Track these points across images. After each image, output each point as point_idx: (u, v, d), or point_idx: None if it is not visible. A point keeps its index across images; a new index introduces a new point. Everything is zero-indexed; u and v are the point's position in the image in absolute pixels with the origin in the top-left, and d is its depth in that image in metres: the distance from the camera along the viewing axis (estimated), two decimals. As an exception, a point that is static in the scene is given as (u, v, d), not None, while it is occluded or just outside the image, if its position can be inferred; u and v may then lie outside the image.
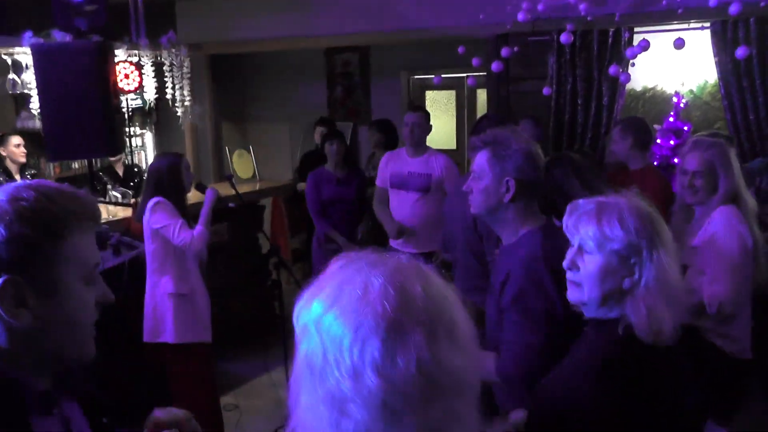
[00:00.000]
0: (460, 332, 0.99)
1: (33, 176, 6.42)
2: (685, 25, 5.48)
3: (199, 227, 3.89)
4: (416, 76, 7.86)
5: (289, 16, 6.71)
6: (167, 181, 3.90)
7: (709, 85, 6.11)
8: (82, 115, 4.59)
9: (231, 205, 4.42)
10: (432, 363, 0.94)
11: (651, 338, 1.65)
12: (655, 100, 6.44)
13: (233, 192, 4.50)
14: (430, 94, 7.97)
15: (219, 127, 7.99)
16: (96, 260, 1.27)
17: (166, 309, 3.94)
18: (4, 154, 6.09)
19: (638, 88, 6.44)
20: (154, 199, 3.86)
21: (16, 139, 6.09)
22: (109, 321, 4.05)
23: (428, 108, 7.15)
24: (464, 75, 7.15)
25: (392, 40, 6.67)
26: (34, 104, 5.19)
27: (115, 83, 4.86)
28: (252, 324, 5.91)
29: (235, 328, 5.56)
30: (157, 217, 3.82)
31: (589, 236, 1.71)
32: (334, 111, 8.10)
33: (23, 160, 6.15)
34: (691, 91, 6.48)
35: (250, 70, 8.47)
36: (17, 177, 6.08)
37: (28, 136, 6.27)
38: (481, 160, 2.29)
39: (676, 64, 6.08)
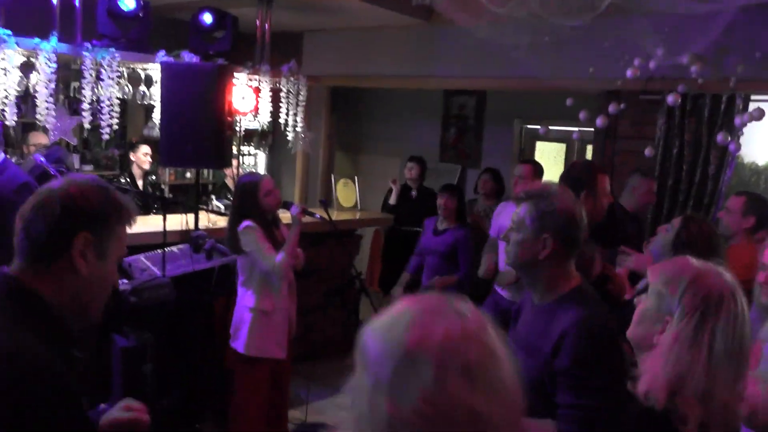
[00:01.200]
0: (485, 374, 1.04)
1: (152, 183, 6.93)
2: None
3: (281, 255, 4.07)
4: (528, 126, 7.88)
5: (411, 56, 6.94)
6: (248, 204, 4.18)
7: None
8: (195, 128, 4.99)
9: (317, 216, 4.55)
10: (440, 396, 1.01)
11: None
12: (765, 174, 6.18)
13: (327, 217, 4.70)
14: (540, 145, 7.96)
15: (331, 155, 8.31)
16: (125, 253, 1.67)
17: (244, 320, 4.21)
18: (133, 159, 6.62)
19: (758, 161, 6.23)
20: (244, 223, 4.11)
21: (145, 148, 6.60)
22: (195, 319, 4.37)
23: (537, 158, 7.19)
24: (575, 129, 7.11)
25: (505, 85, 6.76)
26: (156, 115, 5.63)
27: (231, 103, 5.21)
28: (331, 345, 6.13)
29: (318, 347, 5.81)
30: (247, 240, 4.09)
31: None
32: (444, 152, 8.25)
33: (148, 167, 6.66)
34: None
35: (369, 104, 8.78)
36: (139, 182, 6.58)
37: (153, 144, 6.78)
38: (522, 212, 2.28)
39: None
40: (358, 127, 8.99)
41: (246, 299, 4.21)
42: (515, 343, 2.35)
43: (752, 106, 5.32)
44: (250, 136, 8.42)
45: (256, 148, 8.63)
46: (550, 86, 6.04)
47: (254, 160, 8.60)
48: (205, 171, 7.63)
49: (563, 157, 7.84)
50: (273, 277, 4.13)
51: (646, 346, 1.68)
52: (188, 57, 5.48)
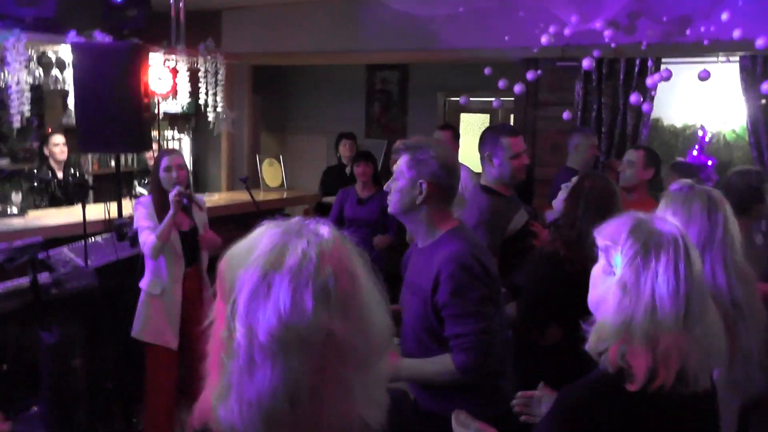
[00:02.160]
0: (343, 298, 1.04)
1: (73, 175, 6.69)
2: (713, 58, 5.45)
3: (151, 237, 3.85)
4: (452, 98, 7.95)
5: (332, 31, 6.89)
6: (152, 178, 4.07)
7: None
8: (111, 111, 4.82)
9: (185, 201, 4.00)
10: (296, 318, 1.00)
11: None
12: (682, 135, 6.44)
13: (239, 193, 4.61)
14: (464, 117, 8.05)
15: (257, 136, 8.20)
16: None
17: (139, 303, 4.04)
18: (47, 153, 6.37)
19: (676, 123, 6.48)
20: (138, 199, 4.04)
21: (56, 138, 6.34)
22: (124, 307, 4.19)
23: (462, 130, 7.24)
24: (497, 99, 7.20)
25: (426, 58, 6.80)
26: (71, 100, 5.45)
27: (147, 84, 5.07)
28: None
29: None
30: (135, 217, 4.00)
31: None
32: (370, 127, 8.25)
33: (63, 158, 6.40)
34: (734, 131, 6.46)
35: (292, 82, 8.71)
36: (59, 174, 6.36)
37: (72, 133, 6.56)
38: (401, 162, 2.42)
39: (706, 99, 6.09)
40: (282, 106, 8.91)
41: (142, 281, 4.06)
42: (406, 287, 2.54)
43: (663, 69, 5.49)
44: (172, 120, 8.24)
45: (180, 132, 8.45)
46: (469, 57, 6.10)
47: (179, 145, 8.42)
48: (130, 158, 7.44)
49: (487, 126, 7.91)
50: (161, 259, 3.93)
51: (601, 302, 1.66)
52: (100, 37, 5.29)
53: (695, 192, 2.40)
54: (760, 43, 4.95)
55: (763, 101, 5.34)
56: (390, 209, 2.50)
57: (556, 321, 2.87)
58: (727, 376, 2.22)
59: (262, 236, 1.08)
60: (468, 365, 2.31)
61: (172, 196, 3.86)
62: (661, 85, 5.56)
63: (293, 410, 1.00)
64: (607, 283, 1.63)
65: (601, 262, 1.68)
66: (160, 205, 3.93)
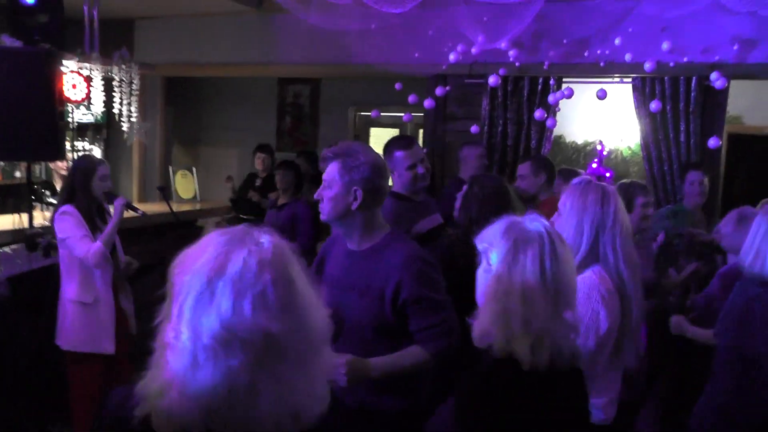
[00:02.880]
0: (280, 300, 1.13)
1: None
2: (609, 79, 5.85)
3: (97, 243, 3.82)
4: (363, 113, 8.14)
5: (244, 44, 6.98)
6: (79, 186, 3.92)
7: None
8: (23, 117, 4.68)
9: (139, 212, 4.24)
10: (237, 321, 1.10)
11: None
12: (583, 151, 6.88)
13: (166, 206, 4.59)
14: (374, 131, 8.25)
15: (169, 147, 8.16)
16: None
17: (66, 315, 3.94)
18: None
19: (577, 140, 6.91)
20: (62, 208, 3.88)
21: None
22: (37, 318, 4.07)
23: (372, 144, 7.43)
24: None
25: (337, 72, 6.97)
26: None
27: (61, 92, 5.01)
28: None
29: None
30: (61, 226, 3.85)
31: None
32: (281, 140, 8.34)
33: None
34: (629, 148, 6.94)
35: (205, 94, 8.72)
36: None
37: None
38: (332, 170, 2.47)
39: (605, 117, 6.54)
40: (195, 118, 8.89)
41: (67, 291, 3.93)
42: (330, 285, 2.58)
43: (565, 87, 5.87)
44: (84, 130, 8.09)
45: (91, 143, 8.30)
46: (379, 72, 6.30)
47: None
48: (37, 169, 7.24)
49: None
50: (92, 267, 3.88)
51: (482, 297, 1.86)
52: (10, 42, 5.18)
53: (592, 185, 2.68)
54: (647, 66, 5.39)
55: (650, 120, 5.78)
56: (323, 217, 2.52)
57: None
58: (615, 350, 2.54)
59: (208, 244, 1.18)
60: (442, 350, 2.43)
61: (119, 204, 3.97)
62: (564, 104, 5.94)
63: (231, 404, 1.09)
64: (487, 279, 1.82)
65: (483, 263, 1.86)
66: (88, 214, 3.90)
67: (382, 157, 3.66)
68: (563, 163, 7.12)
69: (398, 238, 2.55)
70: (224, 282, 1.11)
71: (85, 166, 3.99)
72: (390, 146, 3.74)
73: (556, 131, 7.43)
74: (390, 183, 2.94)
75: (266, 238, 1.19)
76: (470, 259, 1.96)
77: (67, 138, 6.42)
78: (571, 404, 1.85)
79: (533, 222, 1.83)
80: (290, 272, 1.17)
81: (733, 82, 7.32)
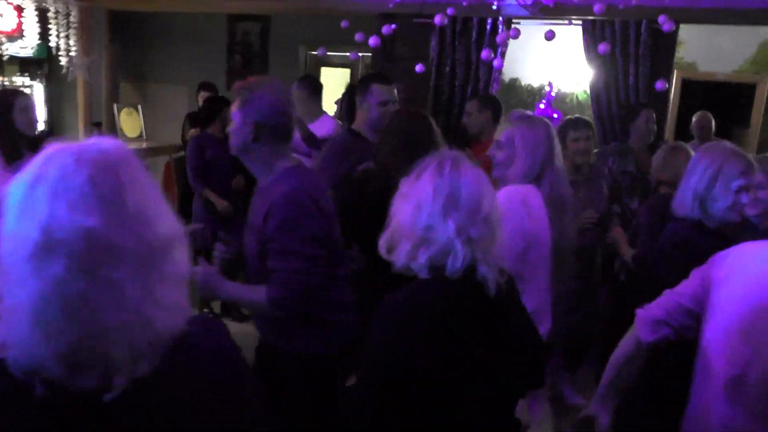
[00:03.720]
0: (104, 202, 1.06)
1: None
2: (559, 21, 5.78)
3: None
4: (313, 52, 7.97)
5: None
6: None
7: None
8: None
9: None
10: (54, 224, 1.02)
11: None
12: (538, 94, 6.85)
13: None
14: (325, 71, 8.11)
15: (115, 85, 7.93)
16: None
17: None
18: None
19: (530, 82, 6.86)
20: None
21: None
22: None
23: (324, 83, 7.30)
24: (358, 53, 7.30)
25: (285, 8, 6.81)
26: None
27: (-12, 21, 4.82)
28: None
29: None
30: None
31: None
32: (231, 79, 8.15)
33: None
34: (585, 92, 6.92)
35: (153, 31, 8.45)
36: None
37: None
38: (235, 105, 2.48)
39: (559, 61, 6.49)
40: (143, 56, 8.63)
41: None
42: (247, 228, 2.59)
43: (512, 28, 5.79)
44: (25, 65, 7.83)
45: (32, 78, 8.05)
46: (327, 9, 6.16)
47: (30, 92, 8.03)
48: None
49: (348, 81, 8.01)
50: None
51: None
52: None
53: (534, 118, 2.89)
54: (597, 8, 5.30)
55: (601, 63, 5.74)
56: (232, 152, 2.55)
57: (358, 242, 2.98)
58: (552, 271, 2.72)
59: (40, 155, 1.11)
60: (276, 300, 2.37)
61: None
62: (519, 47, 5.88)
63: (67, 317, 1.03)
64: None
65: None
66: (11, 150, 3.63)
67: (357, 91, 3.74)
68: (518, 106, 7.13)
69: (289, 173, 2.48)
70: (43, 185, 1.05)
71: (4, 98, 3.78)
72: (368, 79, 3.77)
73: (512, 74, 7.47)
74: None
75: (96, 141, 1.12)
76: (384, 195, 1.97)
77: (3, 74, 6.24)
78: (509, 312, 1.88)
79: (439, 154, 1.87)
80: (117, 170, 1.09)
81: (687, 30, 7.37)
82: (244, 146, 2.47)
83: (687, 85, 7.78)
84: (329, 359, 2.57)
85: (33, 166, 1.09)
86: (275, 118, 2.45)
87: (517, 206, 2.60)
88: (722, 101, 7.84)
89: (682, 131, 6.85)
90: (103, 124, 7.46)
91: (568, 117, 4.38)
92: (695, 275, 1.91)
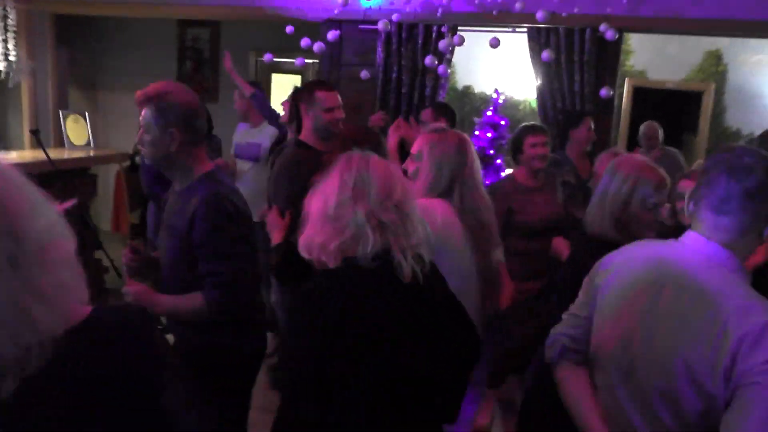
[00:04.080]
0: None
1: None
2: (504, 28, 5.81)
3: None
4: (263, 59, 7.93)
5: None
6: None
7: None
8: None
9: None
10: None
11: None
12: (477, 98, 6.89)
13: (41, 151, 4.33)
14: (276, 77, 8.07)
15: (63, 91, 7.79)
16: None
17: None
18: None
19: (483, 90, 6.90)
20: None
21: None
22: None
23: (274, 91, 7.27)
24: (309, 61, 7.26)
25: (233, 14, 6.75)
26: None
27: None
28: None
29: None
30: None
31: None
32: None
33: None
34: (527, 99, 6.99)
35: (102, 35, 8.35)
36: None
37: None
38: (147, 114, 2.41)
39: (512, 68, 6.53)
40: (92, 61, 8.51)
41: None
42: (163, 229, 2.58)
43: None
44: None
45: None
46: (273, 15, 6.12)
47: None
48: None
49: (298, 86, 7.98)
50: None
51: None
52: None
53: (449, 133, 2.79)
54: (539, 15, 5.34)
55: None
56: (148, 162, 2.52)
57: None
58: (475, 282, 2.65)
59: None
60: (215, 301, 2.38)
61: None
62: (470, 55, 5.88)
63: None
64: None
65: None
66: None
67: (300, 100, 3.70)
68: (471, 114, 7.15)
69: (208, 179, 2.48)
70: None
71: None
72: (311, 86, 3.77)
73: (464, 82, 7.51)
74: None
75: None
76: None
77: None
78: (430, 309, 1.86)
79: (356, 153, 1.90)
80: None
81: (637, 38, 7.46)
82: (166, 155, 2.42)
83: (638, 93, 7.87)
84: (259, 355, 2.65)
85: None
86: (194, 122, 2.43)
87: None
88: (672, 109, 7.95)
89: (634, 139, 6.91)
90: (49, 131, 7.33)
91: (525, 123, 4.36)
92: (584, 282, 1.91)
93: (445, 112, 4.80)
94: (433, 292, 1.88)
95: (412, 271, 1.76)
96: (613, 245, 1.96)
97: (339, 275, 1.76)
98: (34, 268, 1.10)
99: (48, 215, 1.18)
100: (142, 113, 2.43)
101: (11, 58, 6.09)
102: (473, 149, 2.77)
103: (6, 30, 5.95)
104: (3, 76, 6.25)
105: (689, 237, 1.69)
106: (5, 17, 5.92)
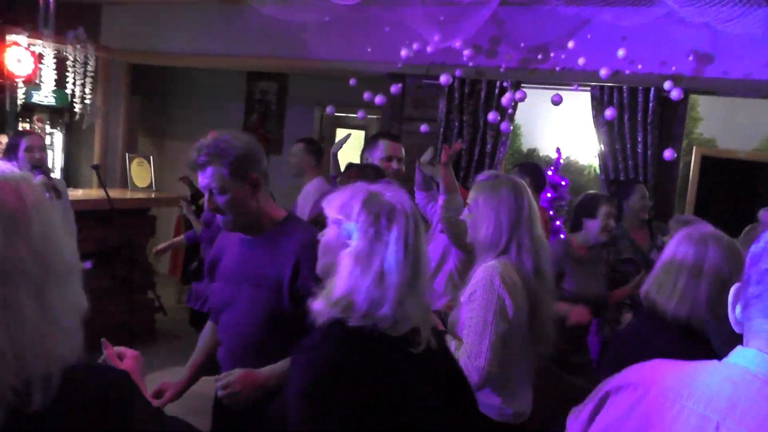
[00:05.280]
0: (24, 226, 1.09)
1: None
2: (566, 86, 5.76)
3: None
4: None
5: (211, 34, 6.92)
6: (5, 159, 3.87)
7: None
8: None
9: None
10: None
11: None
12: (542, 162, 6.80)
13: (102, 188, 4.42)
14: (340, 132, 8.16)
15: (133, 137, 8.07)
16: None
17: None
18: None
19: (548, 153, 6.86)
20: None
21: None
22: None
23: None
24: (373, 117, 7.36)
25: (297, 67, 6.93)
26: None
27: (2, 64, 4.94)
28: (120, 331, 5.87)
29: (106, 333, 5.49)
30: None
31: None
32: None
33: None
34: (591, 164, 6.85)
35: (173, 86, 8.65)
36: None
37: None
38: (220, 171, 2.21)
39: (563, 128, 6.47)
40: (162, 110, 8.82)
41: None
42: (224, 279, 2.41)
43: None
44: (48, 113, 7.98)
45: (53, 126, 8.20)
46: (337, 70, 6.24)
47: (50, 140, 8.17)
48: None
49: (362, 142, 8.04)
50: None
51: (333, 273, 1.71)
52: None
53: (502, 179, 2.65)
54: (603, 73, 5.30)
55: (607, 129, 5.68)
56: (228, 227, 2.33)
57: None
58: (527, 334, 2.50)
59: None
60: None
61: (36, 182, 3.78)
62: (535, 116, 5.92)
63: None
64: (340, 253, 1.68)
65: (332, 232, 1.73)
66: None
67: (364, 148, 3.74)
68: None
69: (297, 222, 2.37)
70: None
71: (10, 138, 4.02)
72: (377, 135, 3.84)
73: (530, 144, 7.38)
74: None
75: (5, 166, 1.15)
76: None
77: (28, 120, 6.39)
78: (440, 380, 1.75)
79: (395, 195, 1.72)
80: (21, 193, 1.11)
81: (706, 105, 7.30)
82: (242, 201, 2.24)
83: (707, 162, 7.64)
84: None
85: None
86: (262, 163, 2.30)
87: (499, 287, 2.41)
88: (744, 180, 7.67)
89: (702, 209, 6.65)
90: (116, 172, 7.56)
91: (599, 192, 4.29)
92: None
93: (529, 171, 4.62)
94: (444, 362, 1.80)
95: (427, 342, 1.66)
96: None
97: (365, 345, 1.61)
98: (58, 296, 1.10)
99: (73, 251, 1.18)
100: (208, 173, 2.23)
101: (87, 101, 6.33)
102: (530, 195, 2.64)
103: (85, 75, 6.21)
104: (78, 117, 6.49)
105: (745, 355, 1.10)
106: (86, 63, 6.18)
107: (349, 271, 1.63)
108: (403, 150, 3.78)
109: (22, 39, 5.74)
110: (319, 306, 1.66)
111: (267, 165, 2.35)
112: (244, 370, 2.16)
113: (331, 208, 1.74)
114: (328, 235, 1.75)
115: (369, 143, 3.77)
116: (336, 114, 7.86)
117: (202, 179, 2.25)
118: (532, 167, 4.84)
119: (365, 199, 1.68)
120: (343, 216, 1.69)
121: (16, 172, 1.15)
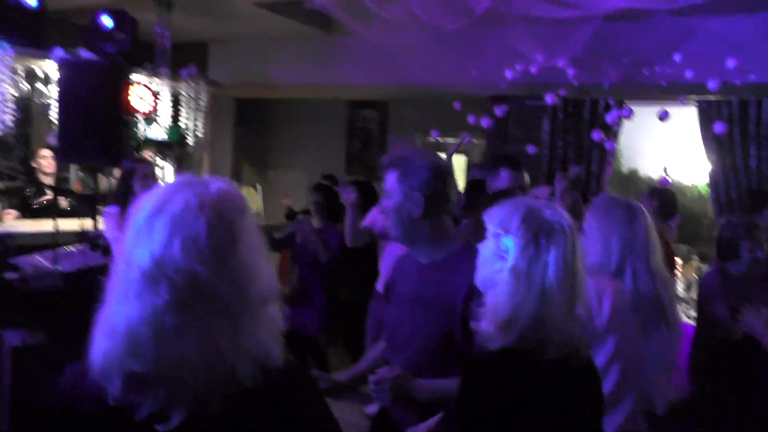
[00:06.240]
0: (216, 248, 1.14)
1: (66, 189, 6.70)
2: (672, 101, 5.64)
3: None
4: (431, 138, 8.13)
5: (314, 65, 7.16)
6: (120, 187, 4.07)
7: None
8: (91, 122, 4.93)
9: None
10: (166, 258, 1.12)
11: None
12: (643, 183, 6.68)
13: None
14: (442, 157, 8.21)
15: (238, 168, 8.38)
16: None
17: None
18: (35, 165, 6.44)
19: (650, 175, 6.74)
20: (106, 209, 4.01)
21: (44, 151, 6.42)
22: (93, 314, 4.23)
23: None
24: (475, 142, 7.37)
25: (400, 94, 7.06)
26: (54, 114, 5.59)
27: (127, 101, 5.24)
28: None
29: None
30: (105, 227, 3.99)
31: None
32: (350, 164, 8.44)
33: (51, 170, 6.39)
34: (699, 186, 6.63)
35: (276, 116, 8.94)
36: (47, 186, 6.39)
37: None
38: (390, 179, 2.29)
39: (667, 147, 6.33)
40: (265, 140, 9.11)
41: None
42: (399, 301, 2.45)
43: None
44: (160, 147, 8.38)
45: (164, 159, 8.59)
46: (439, 94, 6.30)
47: (162, 173, 8.56)
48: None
49: (464, 166, 8.09)
50: None
51: (490, 285, 1.74)
52: (86, 55, 5.49)
53: (615, 201, 2.58)
54: (711, 85, 5.16)
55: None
56: (393, 233, 2.36)
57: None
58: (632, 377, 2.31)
59: (163, 186, 1.22)
60: None
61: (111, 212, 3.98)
62: (638, 134, 5.94)
63: (156, 342, 1.10)
64: (498, 267, 1.71)
65: (491, 245, 1.75)
66: (126, 212, 3.96)
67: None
68: (637, 198, 6.88)
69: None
70: (163, 219, 1.13)
71: (126, 167, 4.15)
72: (498, 161, 3.68)
73: (630, 165, 7.23)
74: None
75: (218, 184, 1.20)
76: None
77: (140, 149, 6.72)
78: (584, 399, 1.74)
79: (555, 213, 1.72)
80: (232, 220, 1.17)
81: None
82: (410, 222, 2.27)
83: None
84: None
85: (158, 194, 1.19)
86: (439, 188, 2.28)
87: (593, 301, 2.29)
88: None
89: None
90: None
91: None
92: None
93: (658, 195, 4.55)
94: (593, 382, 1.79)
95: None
96: None
97: (535, 378, 1.64)
98: (249, 323, 1.15)
99: (271, 276, 1.22)
100: (386, 178, 2.31)
101: (199, 134, 6.63)
102: (647, 220, 2.53)
103: (197, 110, 6.52)
104: (189, 149, 6.80)
105: None
106: (197, 99, 6.50)
107: (512, 288, 1.65)
108: (524, 177, 3.61)
109: (143, 78, 6.07)
110: (487, 328, 1.68)
111: (449, 194, 2.35)
112: (405, 370, 2.21)
113: (491, 221, 1.76)
114: (487, 247, 1.77)
115: (489, 168, 3.61)
116: (437, 139, 7.94)
117: None
118: (662, 192, 4.69)
119: (524, 216, 1.69)
120: (502, 230, 1.72)
121: (226, 188, 1.20)
